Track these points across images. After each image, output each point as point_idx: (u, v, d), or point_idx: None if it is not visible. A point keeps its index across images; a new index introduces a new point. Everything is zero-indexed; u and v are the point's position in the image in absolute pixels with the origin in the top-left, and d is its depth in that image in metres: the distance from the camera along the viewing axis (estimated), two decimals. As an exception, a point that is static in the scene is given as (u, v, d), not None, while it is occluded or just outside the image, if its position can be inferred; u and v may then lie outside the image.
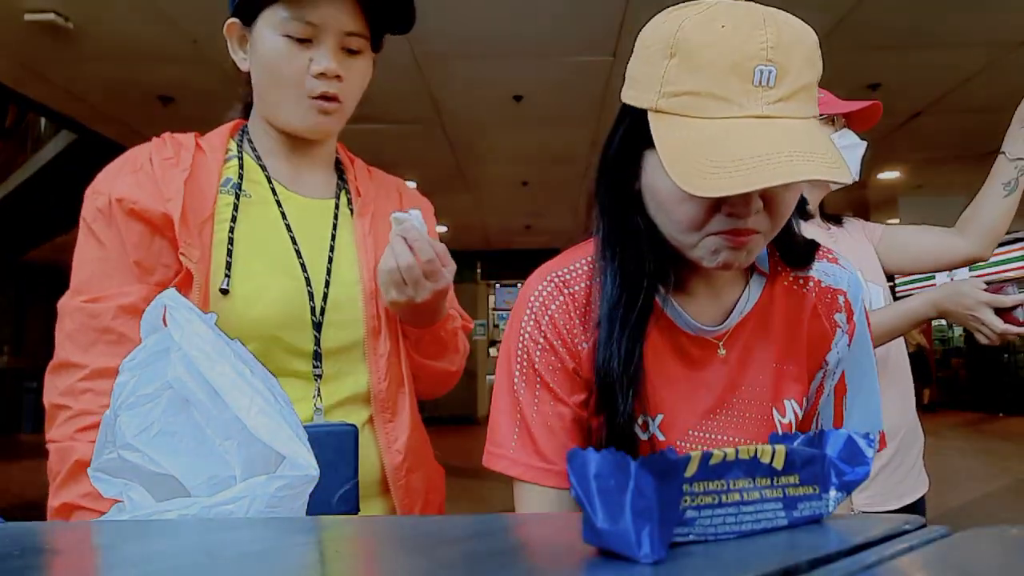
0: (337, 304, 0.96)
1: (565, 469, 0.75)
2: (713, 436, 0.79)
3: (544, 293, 0.80)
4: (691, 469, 0.35)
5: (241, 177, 0.97)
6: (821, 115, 1.52)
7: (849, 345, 0.83)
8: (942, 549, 0.34)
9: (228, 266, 0.90)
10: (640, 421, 0.78)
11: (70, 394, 0.86)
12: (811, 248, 0.83)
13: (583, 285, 0.79)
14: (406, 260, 0.88)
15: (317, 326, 0.94)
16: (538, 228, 9.63)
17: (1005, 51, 4.35)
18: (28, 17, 3.71)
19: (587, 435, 0.79)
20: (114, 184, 0.91)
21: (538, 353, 0.79)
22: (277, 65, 0.93)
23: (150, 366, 0.78)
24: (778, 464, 0.39)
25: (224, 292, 0.89)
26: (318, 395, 0.93)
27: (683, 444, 0.78)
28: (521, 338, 0.80)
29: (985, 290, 1.40)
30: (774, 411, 0.80)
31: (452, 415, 10.63)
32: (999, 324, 1.38)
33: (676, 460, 0.34)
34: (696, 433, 0.79)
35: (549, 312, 0.79)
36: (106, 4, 3.65)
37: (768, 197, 0.68)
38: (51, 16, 3.70)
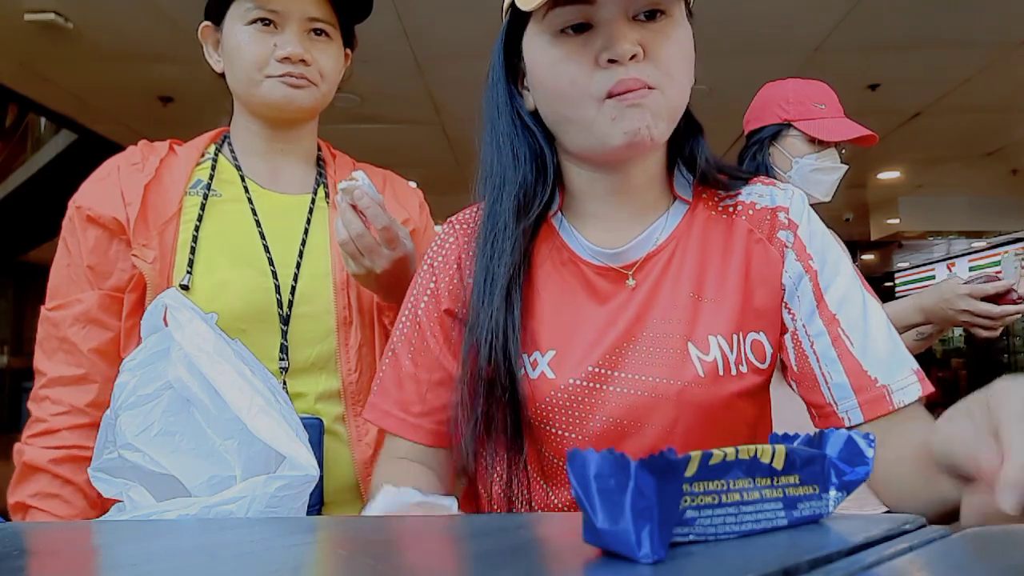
0: (306, 296, 0.96)
1: (422, 423, 0.74)
2: (617, 374, 0.71)
3: (441, 237, 0.80)
4: (691, 469, 0.35)
5: (212, 178, 1.00)
6: (814, 139, 1.49)
7: (806, 261, 0.74)
8: (942, 549, 0.34)
9: (190, 263, 0.93)
10: (531, 359, 0.72)
11: (34, 400, 0.94)
12: (737, 171, 0.79)
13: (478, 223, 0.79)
14: (356, 229, 0.86)
15: (284, 319, 0.94)
16: (538, 228, 9.60)
17: (1005, 51, 4.34)
18: (28, 17, 3.71)
19: (464, 387, 0.73)
20: (83, 193, 0.97)
21: (423, 302, 0.78)
22: (243, 53, 0.95)
23: (150, 366, 0.78)
24: (778, 464, 0.39)
25: (184, 288, 0.91)
26: (284, 387, 0.94)
27: (577, 383, 0.71)
28: (414, 288, 0.80)
29: (966, 282, 1.40)
30: (691, 347, 0.71)
31: (452, 415, 10.61)
32: (995, 308, 1.37)
33: (676, 460, 0.34)
34: (597, 370, 0.71)
35: (444, 251, 0.79)
36: (106, 4, 3.64)
37: (643, 44, 0.65)
38: (51, 16, 3.69)
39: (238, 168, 1.02)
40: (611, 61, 0.65)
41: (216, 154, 1.03)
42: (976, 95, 5.02)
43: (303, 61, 0.95)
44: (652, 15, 0.66)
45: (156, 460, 0.74)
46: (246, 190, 1.00)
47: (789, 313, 0.74)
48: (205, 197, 0.97)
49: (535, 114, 0.75)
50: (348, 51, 1.06)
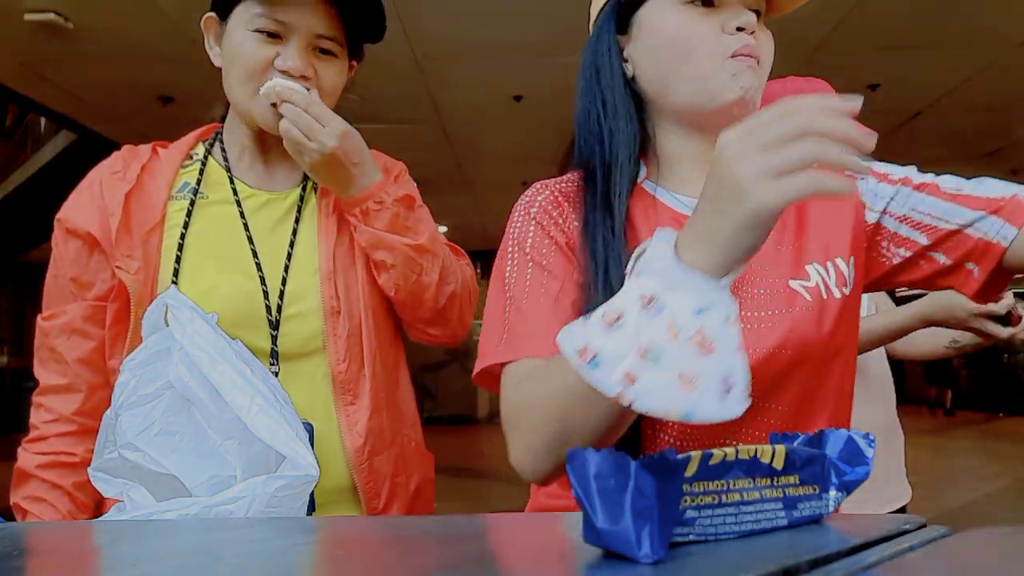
0: (296, 296, 0.95)
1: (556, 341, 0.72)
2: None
3: (533, 191, 0.83)
4: (691, 469, 0.35)
5: (199, 182, 0.99)
6: None
7: (882, 176, 0.80)
8: (942, 549, 0.34)
9: (175, 272, 0.92)
10: None
11: (32, 406, 0.97)
12: None
13: (573, 185, 0.82)
14: (292, 112, 0.89)
15: (274, 324, 0.94)
16: (538, 228, 9.59)
17: (1005, 51, 4.35)
18: (28, 17, 3.71)
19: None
20: (65, 206, 0.98)
21: (529, 238, 0.79)
22: (241, 56, 0.93)
23: (151, 365, 0.78)
24: (778, 464, 0.39)
25: None
26: None
27: None
28: (511, 235, 0.80)
29: None
30: (793, 283, 0.76)
31: (452, 415, 10.61)
32: (1003, 332, 1.38)
33: (676, 460, 0.34)
34: None
35: (538, 202, 0.81)
36: (106, 4, 3.64)
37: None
38: (51, 16, 3.69)
39: (227, 169, 1.01)
40: (739, 29, 0.74)
41: (206, 156, 1.02)
42: (976, 95, 5.02)
43: (304, 77, 0.93)
44: (756, 12, 0.77)
45: (156, 460, 0.74)
46: (234, 192, 0.99)
47: (880, 219, 0.80)
48: (192, 202, 0.97)
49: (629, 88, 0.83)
50: (354, 63, 1.04)
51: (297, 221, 1.00)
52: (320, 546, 0.45)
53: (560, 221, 0.79)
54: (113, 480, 0.75)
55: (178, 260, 0.93)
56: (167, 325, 0.80)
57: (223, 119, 1.06)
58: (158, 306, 0.83)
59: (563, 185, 0.83)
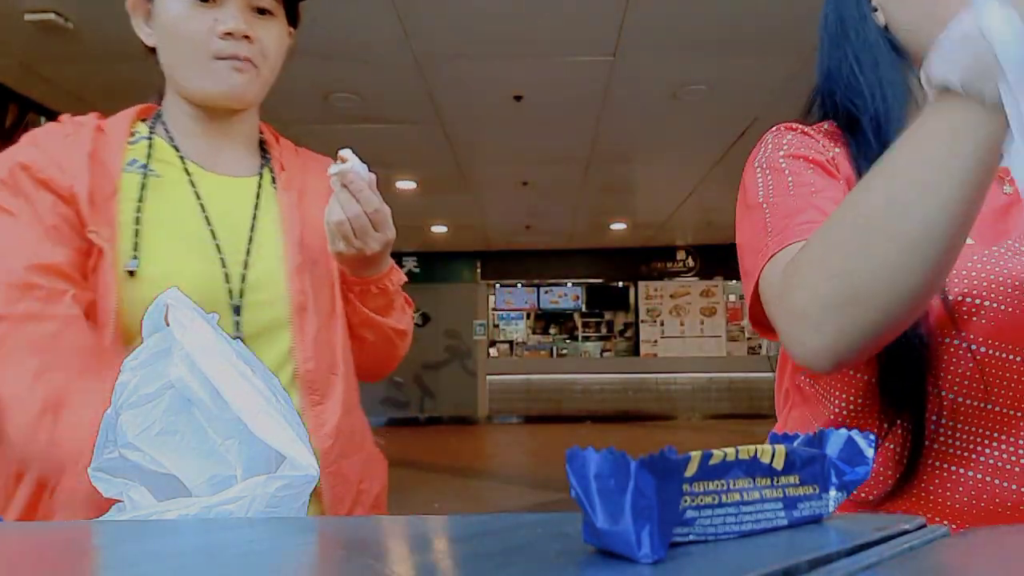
0: (258, 284, 0.93)
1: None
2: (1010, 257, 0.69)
3: (776, 129, 0.79)
4: (691, 469, 0.35)
5: (149, 157, 0.94)
6: None
7: None
8: (942, 549, 0.34)
9: (135, 247, 0.87)
10: None
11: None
12: None
13: (822, 131, 0.78)
14: (354, 210, 0.86)
15: (236, 309, 0.91)
16: (538, 228, 9.62)
17: (1005, 51, 4.35)
18: (28, 17, 3.71)
19: None
20: (14, 156, 0.88)
21: (785, 143, 0.75)
22: (179, 28, 0.91)
23: (152, 365, 0.78)
24: (778, 464, 0.39)
25: (131, 274, 0.85)
26: None
27: (999, 250, 0.69)
28: (760, 156, 0.76)
29: None
30: None
31: (452, 415, 10.62)
32: None
33: (676, 460, 0.34)
34: (999, 250, 0.69)
35: (787, 137, 0.78)
36: (106, 4, 3.64)
37: None
38: (51, 16, 3.70)
39: (176, 148, 0.96)
40: None
41: (151, 133, 0.97)
42: (976, 95, 5.02)
43: (246, 38, 0.91)
44: None
45: (157, 460, 0.74)
46: (187, 172, 0.95)
47: None
48: (144, 176, 0.92)
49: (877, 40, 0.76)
50: (292, 30, 1.01)
51: (257, 207, 0.97)
52: (320, 546, 0.46)
53: (816, 146, 0.75)
54: (113, 480, 0.75)
55: (137, 235, 0.88)
56: (167, 325, 0.80)
57: (158, 101, 1.01)
58: (158, 306, 0.83)
59: (810, 129, 0.79)
